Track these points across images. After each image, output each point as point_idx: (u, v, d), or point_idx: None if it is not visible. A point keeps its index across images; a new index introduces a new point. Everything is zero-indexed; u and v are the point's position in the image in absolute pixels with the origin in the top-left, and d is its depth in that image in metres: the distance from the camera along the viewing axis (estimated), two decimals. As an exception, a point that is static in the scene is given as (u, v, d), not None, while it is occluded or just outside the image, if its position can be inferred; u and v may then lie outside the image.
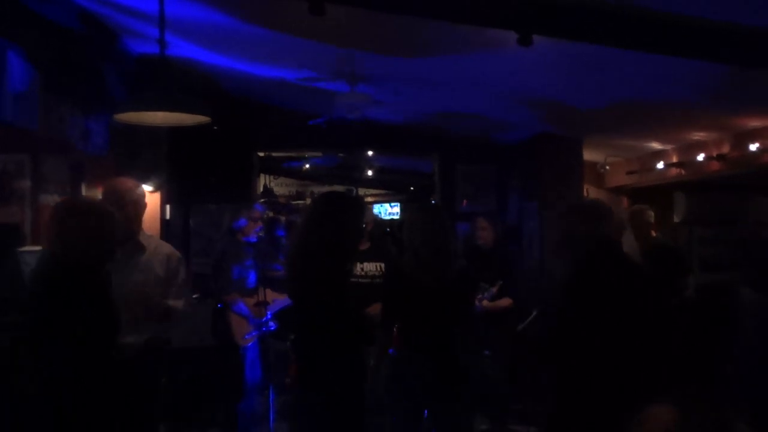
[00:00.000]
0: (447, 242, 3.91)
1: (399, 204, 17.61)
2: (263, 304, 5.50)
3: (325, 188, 16.72)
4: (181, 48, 5.07)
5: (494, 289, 5.33)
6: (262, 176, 13.62)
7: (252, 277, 5.83)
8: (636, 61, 4.22)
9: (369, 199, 17.59)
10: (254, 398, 5.78)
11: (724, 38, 3.60)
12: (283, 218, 11.84)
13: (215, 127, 4.14)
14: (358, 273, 5.07)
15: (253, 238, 5.92)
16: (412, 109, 6.97)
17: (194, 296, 6.04)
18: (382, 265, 5.10)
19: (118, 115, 3.27)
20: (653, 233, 6.27)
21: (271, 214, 14.27)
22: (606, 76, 4.85)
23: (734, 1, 3.31)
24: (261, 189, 13.28)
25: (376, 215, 12.61)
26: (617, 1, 3.38)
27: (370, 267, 5.16)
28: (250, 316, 5.63)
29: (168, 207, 6.87)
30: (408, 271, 3.86)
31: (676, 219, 9.31)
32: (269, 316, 5.53)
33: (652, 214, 6.24)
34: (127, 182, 3.91)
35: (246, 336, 5.65)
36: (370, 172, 13.52)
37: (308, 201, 16.23)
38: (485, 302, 5.28)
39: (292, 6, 3.59)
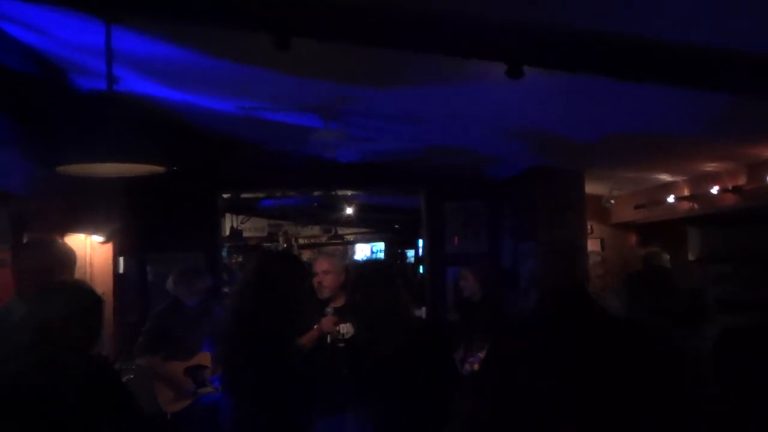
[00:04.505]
0: (398, 301, 3.81)
1: (384, 243, 17.62)
2: (197, 369, 5.55)
3: (299, 228, 16.79)
4: (134, 82, 5.09)
5: (481, 355, 5.31)
6: (228, 216, 13.61)
7: (191, 341, 5.87)
8: (637, 90, 4.29)
9: (349, 239, 17.61)
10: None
11: (726, 66, 3.69)
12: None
13: (174, 167, 4.15)
14: (333, 336, 4.82)
15: (191, 302, 5.99)
16: (394, 144, 7.01)
17: (132, 366, 6.01)
18: None
19: (62, 168, 3.27)
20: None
21: (239, 259, 14.30)
22: (605, 106, 4.92)
23: (734, 28, 3.38)
24: (228, 232, 13.25)
25: (354, 260, 12.58)
26: (613, 31, 3.46)
27: (348, 328, 4.81)
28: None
29: (121, 259, 6.84)
30: (361, 343, 3.79)
31: (690, 257, 9.37)
32: (213, 381, 5.59)
33: (668, 257, 6.25)
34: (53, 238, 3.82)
35: (175, 402, 5.68)
36: (349, 210, 13.53)
37: (282, 242, 16.23)
38: (476, 366, 5.26)
39: (257, 38, 3.64)
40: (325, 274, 4.91)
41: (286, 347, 3.51)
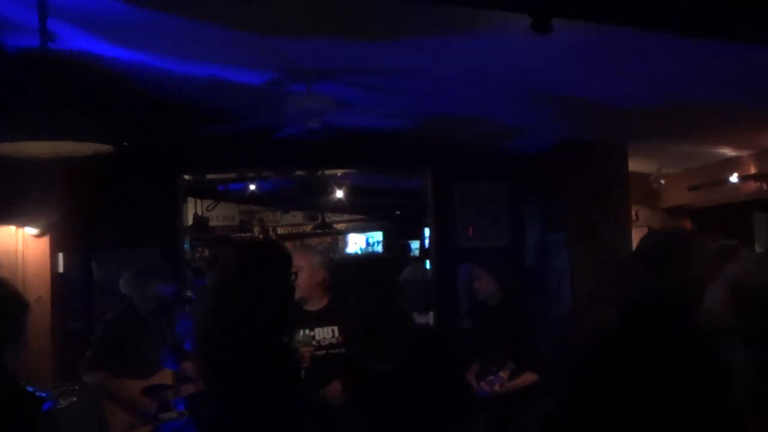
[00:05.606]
0: (393, 304, 3.86)
1: (382, 233, 17.61)
2: (158, 388, 5.56)
3: (278, 215, 16.82)
4: (74, 40, 5.08)
5: (503, 375, 5.33)
6: (191, 202, 13.62)
7: (149, 355, 5.89)
8: (691, 47, 4.29)
9: (339, 228, 17.63)
10: None
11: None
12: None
13: (125, 143, 4.15)
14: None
15: (148, 308, 6.01)
16: (393, 113, 7.01)
17: (76, 386, 6.01)
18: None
19: (-14, 147, 3.27)
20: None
21: (205, 253, 14.31)
22: (653, 66, 4.91)
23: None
24: (191, 220, 13.26)
25: (347, 253, 12.60)
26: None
27: (325, 334, 5.03)
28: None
29: (61, 256, 6.84)
30: (353, 356, 3.86)
31: (757, 248, 9.40)
32: (177, 404, 5.62)
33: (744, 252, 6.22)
34: None
35: (131, 428, 5.71)
36: (339, 193, 13.52)
37: (257, 233, 16.24)
38: (497, 387, 5.29)
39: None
40: (297, 271, 4.84)
41: (278, 353, 3.55)
